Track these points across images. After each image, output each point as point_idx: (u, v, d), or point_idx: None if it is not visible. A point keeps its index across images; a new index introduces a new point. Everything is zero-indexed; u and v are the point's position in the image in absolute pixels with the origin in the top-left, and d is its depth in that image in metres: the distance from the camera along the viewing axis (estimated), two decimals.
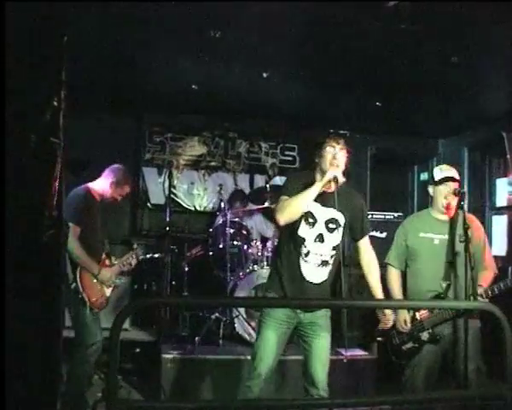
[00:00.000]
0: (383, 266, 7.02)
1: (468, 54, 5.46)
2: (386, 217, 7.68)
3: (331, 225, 4.30)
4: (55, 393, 2.54)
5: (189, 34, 5.28)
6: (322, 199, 4.24)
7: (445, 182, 4.75)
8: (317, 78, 6.58)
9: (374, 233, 7.46)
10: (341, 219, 4.33)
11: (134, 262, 5.53)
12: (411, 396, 3.86)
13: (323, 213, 4.29)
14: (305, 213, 4.22)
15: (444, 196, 4.75)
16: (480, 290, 4.52)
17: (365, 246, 4.59)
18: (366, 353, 6.63)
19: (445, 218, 4.81)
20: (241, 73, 6.39)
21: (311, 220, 4.26)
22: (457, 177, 4.83)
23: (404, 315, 4.81)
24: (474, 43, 5.23)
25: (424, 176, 9.74)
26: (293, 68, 6.30)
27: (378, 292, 4.50)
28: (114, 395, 2.39)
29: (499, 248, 8.02)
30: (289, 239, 4.32)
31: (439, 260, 4.71)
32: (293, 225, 4.24)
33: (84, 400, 5.16)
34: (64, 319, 4.75)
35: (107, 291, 5.25)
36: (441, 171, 4.85)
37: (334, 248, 4.33)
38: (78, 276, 4.97)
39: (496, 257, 8.02)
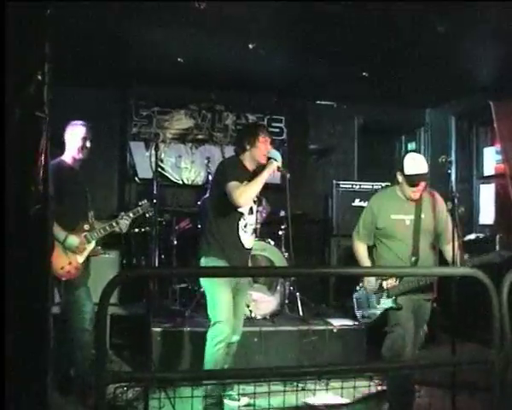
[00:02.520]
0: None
1: (454, 23, 5.44)
2: (374, 187, 7.69)
3: (255, 198, 5.12)
4: (45, 364, 2.55)
5: (174, 6, 5.23)
6: (248, 178, 4.93)
7: (415, 181, 4.81)
8: (304, 49, 6.56)
9: (362, 203, 7.49)
10: None
11: (124, 225, 5.45)
12: (399, 363, 3.89)
13: None
14: None
15: (413, 191, 4.86)
16: (465, 259, 4.66)
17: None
18: (355, 322, 6.68)
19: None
20: (227, 44, 6.35)
21: None
22: (426, 170, 4.85)
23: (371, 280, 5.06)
24: (460, 13, 5.21)
25: (412, 146, 9.76)
26: (280, 39, 6.27)
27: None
28: (103, 367, 2.40)
29: (486, 216, 8.07)
30: (229, 213, 4.96)
31: (408, 238, 4.86)
32: (230, 207, 4.91)
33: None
34: (54, 294, 4.76)
35: (79, 258, 5.14)
36: (413, 164, 4.85)
37: (256, 218, 5.28)
38: None
39: (484, 226, 8.12)
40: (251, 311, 6.47)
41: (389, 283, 4.92)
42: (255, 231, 5.29)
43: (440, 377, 5.14)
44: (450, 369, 4.12)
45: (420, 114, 9.46)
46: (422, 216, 4.87)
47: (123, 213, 5.53)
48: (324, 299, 7.86)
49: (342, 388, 3.31)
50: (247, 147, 5.03)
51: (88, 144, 5.31)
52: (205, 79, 7.72)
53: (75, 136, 5.27)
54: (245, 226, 5.05)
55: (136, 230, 7.21)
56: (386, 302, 4.90)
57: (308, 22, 5.65)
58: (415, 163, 4.85)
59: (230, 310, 4.89)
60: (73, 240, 5.11)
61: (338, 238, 7.83)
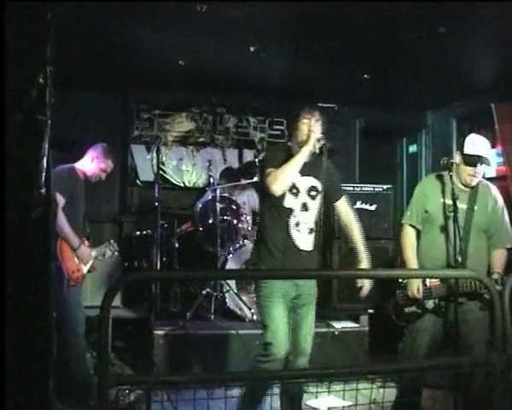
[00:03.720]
0: (374, 239, 7.08)
1: (455, 25, 5.44)
2: (376, 189, 7.68)
3: (312, 193, 4.44)
4: (48, 371, 2.55)
5: (176, 9, 5.24)
6: (301, 168, 4.33)
7: (475, 162, 4.52)
8: (305, 51, 6.56)
9: (363, 206, 7.47)
10: (319, 185, 4.43)
11: (108, 254, 5.53)
12: (402, 365, 3.88)
13: (304, 183, 4.41)
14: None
15: (469, 173, 4.56)
16: (494, 276, 4.36)
17: (344, 206, 4.72)
18: (357, 325, 6.68)
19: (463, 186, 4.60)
20: (228, 47, 6.35)
21: (294, 191, 4.37)
22: (488, 154, 4.58)
23: (418, 283, 4.59)
24: (462, 14, 5.21)
25: (413, 148, 9.76)
26: (281, 42, 6.27)
27: (361, 248, 4.57)
28: (106, 370, 2.40)
29: None
30: (276, 212, 4.39)
31: (455, 228, 4.36)
32: (279, 198, 4.31)
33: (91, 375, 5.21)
34: (55, 297, 4.77)
35: (84, 268, 5.26)
36: (475, 144, 4.58)
37: (316, 215, 4.45)
38: (58, 247, 4.97)
39: None
40: (253, 313, 6.47)
41: (432, 281, 4.58)
42: (313, 230, 4.46)
43: (443, 379, 5.14)
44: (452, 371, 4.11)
45: (421, 117, 9.45)
46: (476, 208, 4.51)
47: (112, 241, 5.62)
48: (326, 301, 7.85)
49: (344, 390, 3.30)
50: (292, 132, 4.50)
51: (103, 178, 5.42)
52: (206, 81, 7.72)
53: (99, 163, 5.36)
54: (297, 225, 4.37)
55: (138, 232, 7.23)
56: (429, 303, 4.57)
57: (309, 25, 5.65)
58: (477, 143, 4.57)
59: (282, 329, 4.25)
60: (84, 249, 5.21)
61: (339, 241, 7.80)
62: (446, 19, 5.34)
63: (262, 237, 4.48)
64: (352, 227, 4.62)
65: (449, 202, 4.50)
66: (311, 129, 4.34)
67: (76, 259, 5.16)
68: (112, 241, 5.64)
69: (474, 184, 4.58)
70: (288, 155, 4.33)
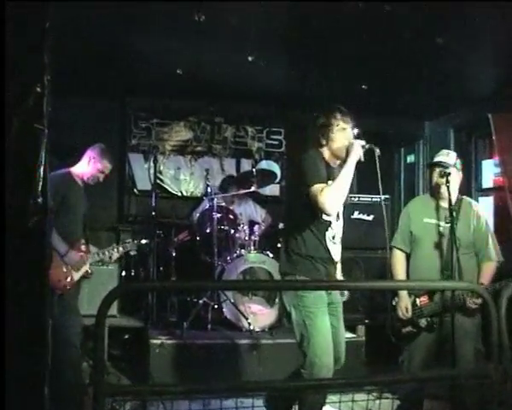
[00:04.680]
0: (371, 249, 7.09)
1: (453, 35, 5.46)
2: (373, 199, 7.68)
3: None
4: (43, 379, 2.54)
5: (174, 18, 5.24)
6: (330, 175, 4.21)
7: (432, 166, 4.86)
8: (303, 61, 6.58)
9: (361, 216, 7.48)
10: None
11: (115, 256, 5.51)
12: (400, 377, 3.88)
13: None
14: None
15: (435, 182, 4.82)
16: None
17: None
18: (354, 335, 6.67)
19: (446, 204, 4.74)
20: (227, 56, 6.36)
21: None
22: (450, 161, 4.83)
23: (406, 302, 4.81)
24: (460, 24, 5.22)
25: (411, 158, 9.77)
26: (279, 52, 6.28)
27: None
28: (102, 379, 2.39)
29: None
30: (313, 223, 4.22)
31: (442, 249, 4.69)
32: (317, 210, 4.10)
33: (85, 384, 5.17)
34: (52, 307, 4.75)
35: (75, 275, 5.16)
36: (439, 153, 4.97)
37: (343, 223, 4.45)
38: None
39: None
40: (250, 323, 6.46)
41: (422, 300, 4.79)
42: (340, 240, 4.42)
43: (440, 390, 5.13)
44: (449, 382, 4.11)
45: (419, 127, 9.45)
46: (459, 225, 4.65)
47: (115, 245, 5.59)
48: None
49: (340, 401, 3.29)
50: (323, 142, 4.30)
51: (101, 179, 5.37)
52: (204, 90, 7.73)
53: (96, 164, 5.32)
54: (333, 238, 4.30)
55: (135, 241, 7.21)
56: (423, 321, 4.77)
57: (307, 34, 5.66)
58: (440, 152, 4.95)
59: (329, 341, 4.12)
60: (74, 255, 5.13)
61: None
62: (444, 29, 5.36)
63: (299, 249, 4.25)
64: None
65: (430, 220, 4.77)
66: (350, 136, 4.28)
67: (64, 267, 5.06)
68: (128, 241, 5.66)
69: (443, 194, 4.74)
70: (325, 164, 4.22)
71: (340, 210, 4.39)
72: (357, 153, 4.16)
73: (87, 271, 5.30)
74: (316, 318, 4.11)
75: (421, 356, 4.77)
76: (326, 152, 4.30)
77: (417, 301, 4.80)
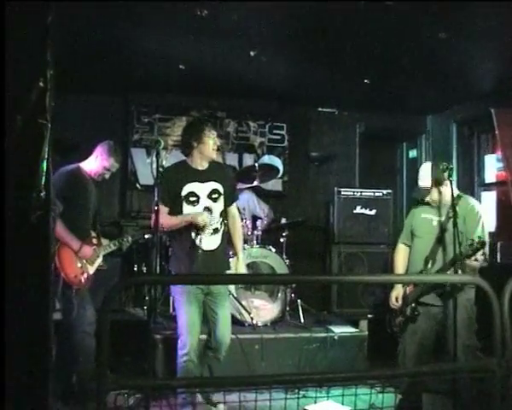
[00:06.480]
0: (376, 243, 7.11)
1: (455, 30, 5.45)
2: (376, 194, 7.68)
3: (214, 196, 5.04)
4: (47, 372, 2.55)
5: (176, 13, 5.24)
6: (200, 176, 5.00)
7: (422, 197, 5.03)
8: (305, 56, 6.56)
9: (363, 210, 7.48)
10: (221, 188, 5.08)
11: (126, 246, 5.56)
12: (400, 371, 3.89)
13: (204, 189, 5.02)
14: (184, 195, 4.96)
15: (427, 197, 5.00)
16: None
17: (235, 211, 5.35)
18: (356, 330, 6.68)
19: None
20: (229, 51, 6.36)
21: (192, 199, 4.98)
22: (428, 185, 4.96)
23: (396, 292, 5.01)
24: (462, 19, 5.22)
25: (413, 153, 9.76)
26: (281, 46, 6.27)
27: (239, 247, 5.37)
28: (105, 374, 2.40)
29: (488, 224, 8.06)
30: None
31: (433, 241, 4.89)
32: (176, 211, 4.96)
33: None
34: (54, 301, 4.78)
35: (90, 269, 5.26)
36: (420, 179, 5.06)
37: (220, 215, 5.08)
38: (56, 253, 4.96)
39: None
40: (252, 318, 6.46)
41: (409, 288, 4.95)
42: (216, 230, 5.14)
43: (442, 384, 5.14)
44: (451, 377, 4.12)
45: (421, 121, 9.44)
46: (451, 219, 4.76)
47: (127, 235, 5.74)
48: (326, 306, 7.85)
49: (343, 395, 3.29)
50: (194, 144, 4.99)
51: (107, 177, 5.41)
52: (206, 86, 7.72)
53: (103, 161, 5.35)
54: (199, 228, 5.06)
55: (138, 236, 7.21)
56: (408, 310, 4.91)
57: (309, 29, 5.65)
58: (421, 173, 5.06)
59: (194, 322, 4.89)
60: (87, 250, 5.19)
61: (339, 245, 7.79)
62: (446, 24, 5.35)
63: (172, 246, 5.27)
64: (235, 229, 5.36)
65: (428, 216, 4.98)
66: (215, 144, 5.04)
67: (79, 262, 5.14)
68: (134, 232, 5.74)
69: (436, 200, 4.97)
70: (190, 170, 5.07)
71: (214, 205, 5.06)
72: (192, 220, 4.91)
73: (100, 264, 5.36)
74: (183, 300, 4.91)
75: (412, 346, 4.87)
76: (197, 154, 5.06)
77: (407, 290, 4.95)
